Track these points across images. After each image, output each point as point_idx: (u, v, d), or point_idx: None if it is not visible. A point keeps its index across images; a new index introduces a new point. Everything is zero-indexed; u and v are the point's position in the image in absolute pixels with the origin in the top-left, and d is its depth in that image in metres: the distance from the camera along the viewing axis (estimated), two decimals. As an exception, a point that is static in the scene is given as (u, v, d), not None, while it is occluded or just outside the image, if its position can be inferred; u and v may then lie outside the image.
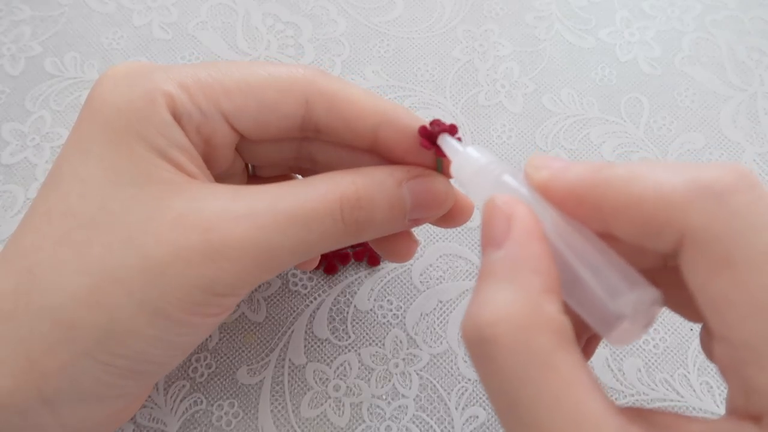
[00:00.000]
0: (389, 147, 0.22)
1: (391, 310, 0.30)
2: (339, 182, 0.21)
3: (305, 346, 0.29)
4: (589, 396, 0.15)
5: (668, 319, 0.29)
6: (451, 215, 0.24)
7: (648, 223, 0.15)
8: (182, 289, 0.19)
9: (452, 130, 0.21)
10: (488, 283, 0.16)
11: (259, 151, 0.24)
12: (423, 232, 0.32)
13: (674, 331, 0.29)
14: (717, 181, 0.14)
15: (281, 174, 0.27)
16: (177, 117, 0.21)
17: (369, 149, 0.23)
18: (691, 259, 0.15)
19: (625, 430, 0.14)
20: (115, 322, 0.19)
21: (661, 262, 0.18)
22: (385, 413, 0.27)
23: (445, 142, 0.21)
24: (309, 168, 0.26)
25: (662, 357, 0.29)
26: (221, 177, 0.24)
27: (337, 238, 0.21)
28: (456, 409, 0.27)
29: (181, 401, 0.27)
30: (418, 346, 0.29)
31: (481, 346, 0.15)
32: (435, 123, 0.21)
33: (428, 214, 0.22)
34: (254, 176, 0.27)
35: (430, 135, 0.21)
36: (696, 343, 0.29)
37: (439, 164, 0.22)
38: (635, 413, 0.16)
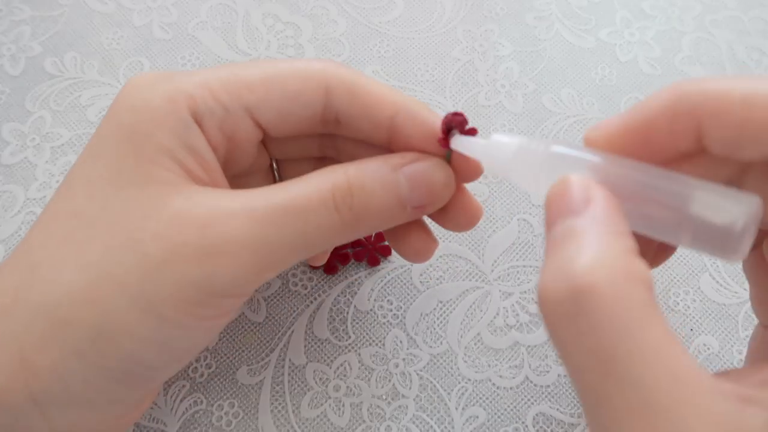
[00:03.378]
0: (406, 138, 0.22)
1: (391, 310, 0.30)
2: (331, 173, 0.21)
3: (305, 346, 0.29)
4: (684, 352, 0.14)
5: (668, 319, 0.29)
6: (459, 215, 0.24)
7: (748, 126, 0.15)
8: (177, 286, 0.19)
9: (465, 126, 0.21)
10: (571, 243, 0.15)
11: (283, 147, 0.25)
12: (423, 232, 0.32)
13: (674, 331, 0.29)
14: None
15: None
16: (198, 117, 0.21)
17: (386, 143, 0.23)
18: None
19: (719, 386, 0.14)
20: (107, 320, 0.19)
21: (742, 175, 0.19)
22: (385, 413, 0.27)
23: (462, 142, 0.21)
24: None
25: (662, 357, 0.29)
26: (245, 175, 0.24)
27: (335, 230, 0.21)
28: (456, 409, 0.27)
29: (181, 401, 0.27)
30: (418, 346, 0.29)
31: (573, 300, 0.15)
32: (451, 117, 0.21)
33: (428, 200, 0.22)
34: (279, 180, 0.27)
35: (447, 128, 0.21)
36: (696, 342, 0.29)
37: (448, 156, 0.22)
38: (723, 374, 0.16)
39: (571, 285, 0.15)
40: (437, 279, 0.30)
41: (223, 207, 0.20)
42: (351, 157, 0.24)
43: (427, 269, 0.31)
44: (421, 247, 0.25)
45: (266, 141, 0.24)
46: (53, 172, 0.33)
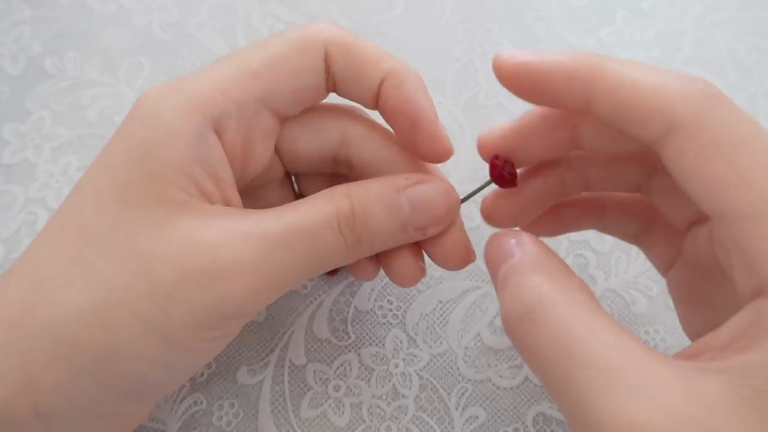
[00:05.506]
0: (390, 106, 0.22)
1: (391, 310, 0.30)
2: (335, 195, 0.21)
3: (305, 346, 0.29)
4: (633, 336, 0.16)
5: (668, 319, 0.29)
6: (446, 255, 0.24)
7: (639, 108, 0.17)
8: (188, 311, 0.19)
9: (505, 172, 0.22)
10: (516, 276, 0.19)
11: (299, 155, 0.24)
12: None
13: (674, 331, 0.29)
14: (706, 86, 0.17)
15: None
16: (214, 122, 0.21)
17: (374, 106, 0.23)
18: (680, 146, 0.16)
19: (672, 359, 0.16)
20: (116, 343, 0.19)
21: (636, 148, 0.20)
22: (385, 413, 0.27)
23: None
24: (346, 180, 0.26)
25: (662, 357, 0.29)
26: (259, 186, 0.24)
27: (340, 251, 0.21)
28: (456, 409, 0.27)
29: (181, 401, 0.27)
30: (418, 346, 0.29)
31: (529, 315, 0.17)
32: (500, 164, 0.22)
33: (429, 223, 0.22)
34: (299, 195, 0.27)
35: (499, 173, 0.22)
36: (696, 343, 0.29)
37: (488, 183, 0.23)
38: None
39: (523, 304, 0.18)
40: (437, 279, 0.30)
41: (233, 229, 0.20)
42: (364, 174, 0.25)
43: (427, 269, 0.31)
44: (404, 271, 0.24)
45: (280, 152, 0.24)
46: (53, 172, 0.33)
